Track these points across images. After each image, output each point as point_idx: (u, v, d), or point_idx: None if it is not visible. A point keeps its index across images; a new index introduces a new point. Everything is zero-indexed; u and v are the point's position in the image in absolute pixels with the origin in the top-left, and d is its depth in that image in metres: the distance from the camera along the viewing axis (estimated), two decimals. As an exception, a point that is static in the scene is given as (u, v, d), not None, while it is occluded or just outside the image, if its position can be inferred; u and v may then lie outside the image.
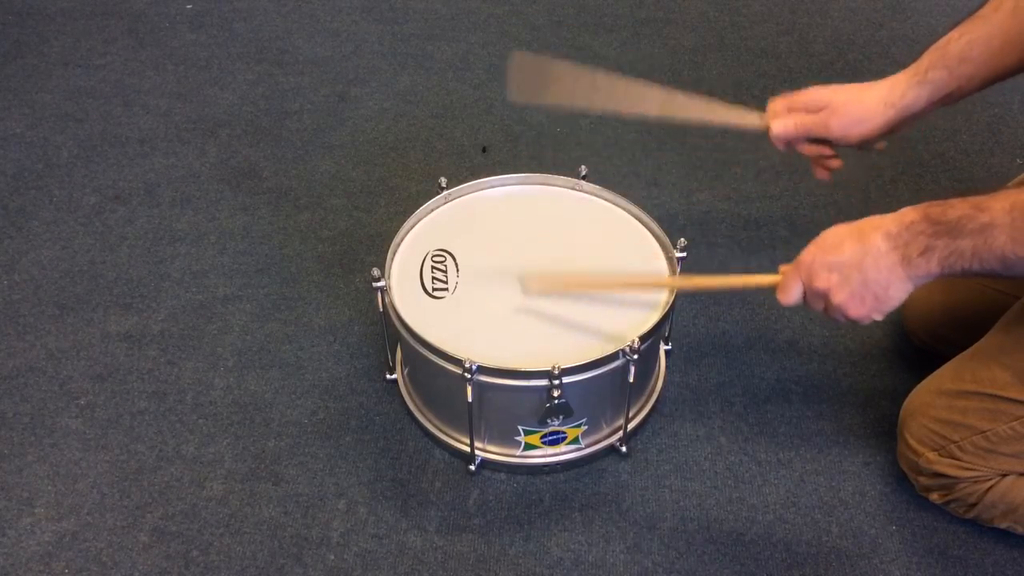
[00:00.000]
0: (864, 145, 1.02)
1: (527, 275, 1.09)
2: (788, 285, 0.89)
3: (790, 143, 1.06)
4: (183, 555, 1.04)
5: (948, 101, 0.98)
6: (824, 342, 1.30)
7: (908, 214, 0.81)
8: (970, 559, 1.05)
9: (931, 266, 0.80)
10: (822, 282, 0.85)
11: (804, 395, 1.23)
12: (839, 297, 0.85)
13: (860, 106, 0.99)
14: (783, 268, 0.92)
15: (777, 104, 1.06)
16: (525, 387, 1.00)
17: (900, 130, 1.01)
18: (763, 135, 1.07)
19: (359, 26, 1.99)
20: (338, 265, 1.41)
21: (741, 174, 1.60)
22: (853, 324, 0.88)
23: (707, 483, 1.12)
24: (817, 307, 0.89)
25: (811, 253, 0.87)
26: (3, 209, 1.51)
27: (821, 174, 1.10)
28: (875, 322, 0.87)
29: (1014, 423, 0.95)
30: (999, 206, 0.76)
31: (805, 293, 0.89)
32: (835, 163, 1.07)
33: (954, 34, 0.95)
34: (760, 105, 1.08)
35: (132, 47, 1.92)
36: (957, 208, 0.78)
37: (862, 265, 0.82)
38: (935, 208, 0.80)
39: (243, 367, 1.26)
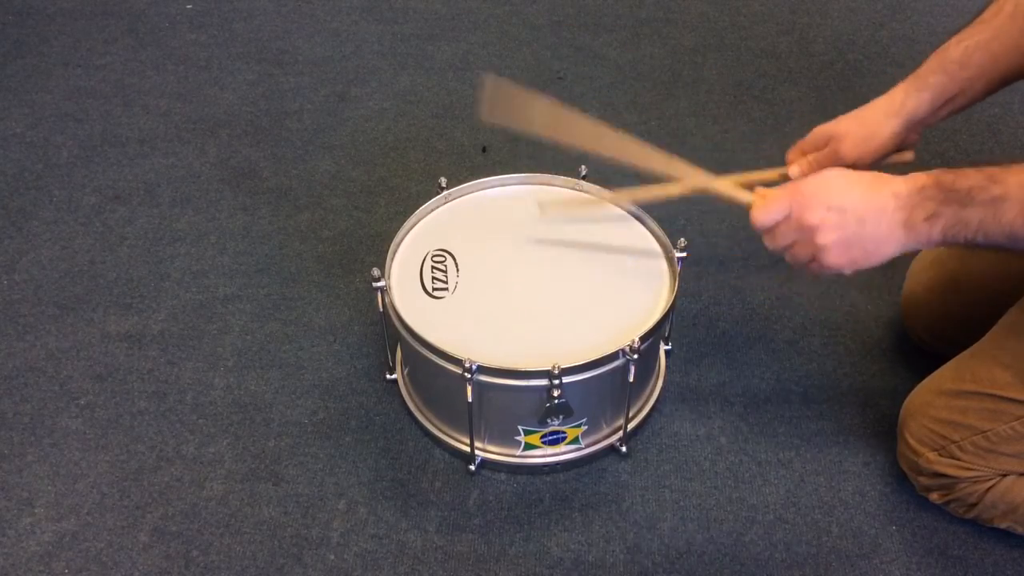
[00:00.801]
0: (883, 162, 1.02)
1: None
2: (772, 208, 0.84)
3: None
4: (183, 555, 1.04)
5: (955, 107, 0.97)
6: (824, 342, 1.30)
7: (920, 178, 0.80)
8: (970, 559, 1.05)
9: (933, 232, 0.78)
10: (815, 218, 0.81)
11: (804, 395, 1.23)
12: (826, 238, 0.81)
13: (863, 126, 0.99)
14: (762, 191, 0.89)
15: (791, 153, 1.06)
16: (525, 387, 1.00)
17: (912, 140, 1.01)
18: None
19: (359, 26, 1.99)
20: (338, 265, 1.41)
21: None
22: (814, 275, 0.85)
23: (707, 483, 1.12)
24: (786, 240, 0.84)
25: (813, 186, 0.83)
26: (3, 209, 1.51)
27: None
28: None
29: (1014, 423, 0.95)
30: (1014, 180, 0.75)
31: (784, 221, 0.84)
32: None
33: (954, 39, 0.95)
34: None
35: (132, 47, 1.92)
36: (970, 177, 0.77)
37: (865, 216, 0.80)
38: (948, 175, 0.78)
39: (243, 367, 1.26)
